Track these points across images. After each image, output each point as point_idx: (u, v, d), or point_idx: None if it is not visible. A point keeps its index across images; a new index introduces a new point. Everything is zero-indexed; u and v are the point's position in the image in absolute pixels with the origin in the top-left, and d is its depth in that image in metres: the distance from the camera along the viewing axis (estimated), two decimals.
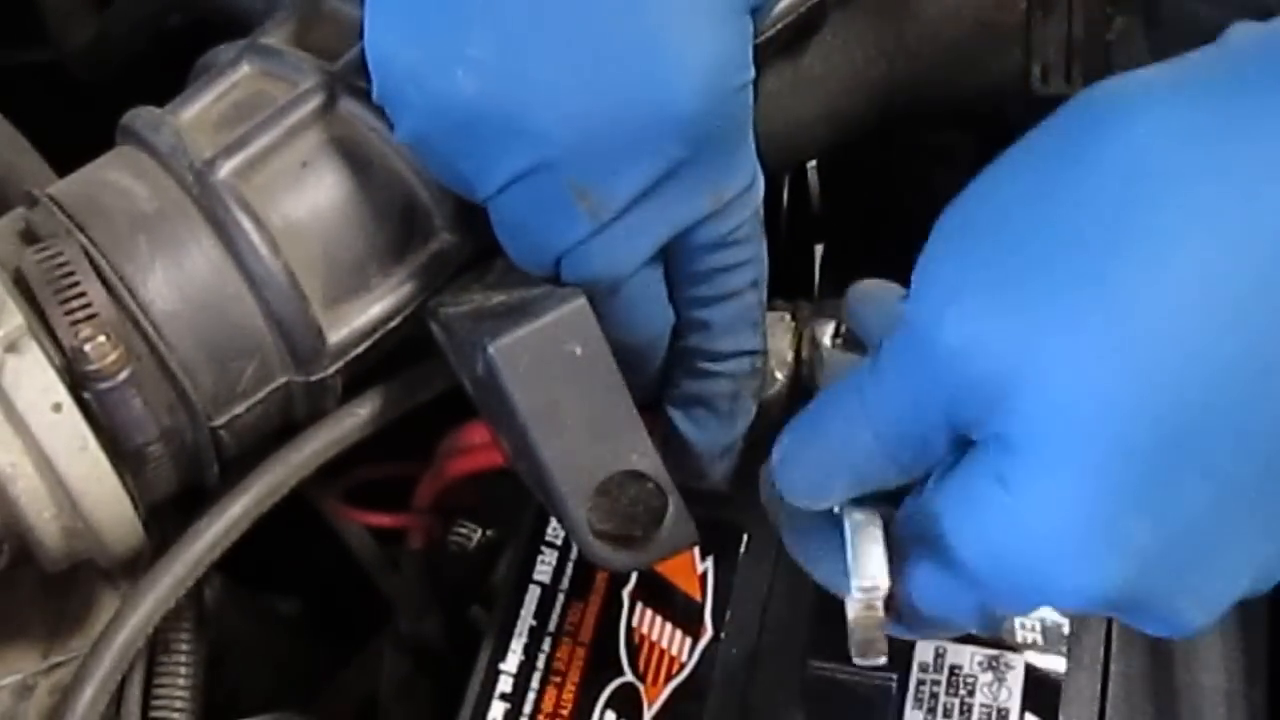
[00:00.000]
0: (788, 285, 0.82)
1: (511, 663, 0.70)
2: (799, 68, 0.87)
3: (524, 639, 0.71)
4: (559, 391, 0.63)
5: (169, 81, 0.78)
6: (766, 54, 0.82)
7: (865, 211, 1.05)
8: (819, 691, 0.68)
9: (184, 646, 0.77)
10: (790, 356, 0.74)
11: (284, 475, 0.73)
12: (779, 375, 0.74)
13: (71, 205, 0.70)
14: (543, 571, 0.73)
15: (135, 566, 0.74)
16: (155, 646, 0.76)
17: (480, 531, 0.83)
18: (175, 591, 0.71)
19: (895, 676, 0.68)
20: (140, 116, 0.72)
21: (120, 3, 1.04)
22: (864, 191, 1.05)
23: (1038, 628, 0.70)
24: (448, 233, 0.73)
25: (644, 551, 0.65)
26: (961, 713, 0.67)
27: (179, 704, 0.77)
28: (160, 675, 0.76)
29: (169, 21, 0.97)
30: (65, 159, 0.80)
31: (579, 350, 0.63)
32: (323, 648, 0.94)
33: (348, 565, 0.91)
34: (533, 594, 0.72)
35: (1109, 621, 0.70)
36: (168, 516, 0.75)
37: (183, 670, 0.77)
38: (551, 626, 0.71)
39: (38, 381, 0.66)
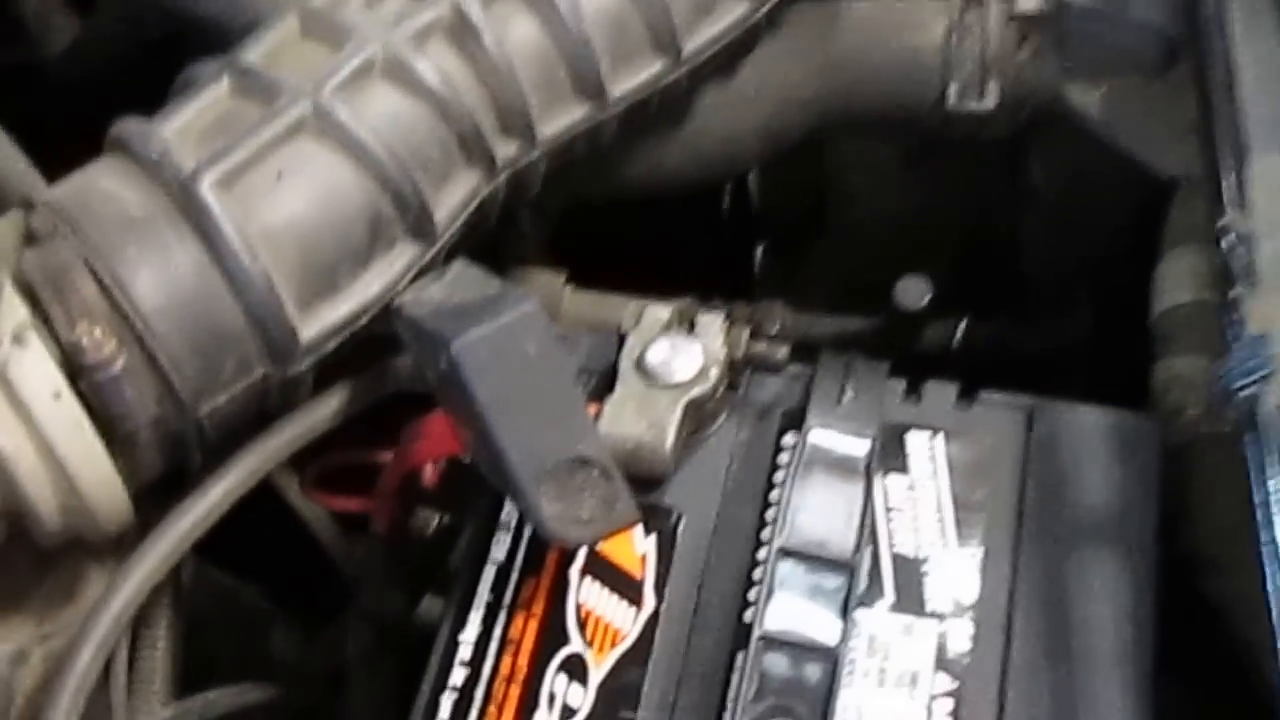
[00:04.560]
0: (728, 287, 0.85)
1: (470, 633, 0.72)
2: (735, 87, 0.92)
3: (481, 611, 0.72)
4: (514, 385, 0.68)
5: (148, 86, 0.80)
6: (704, 74, 0.88)
7: (800, 216, 1.07)
8: (753, 655, 0.70)
9: (163, 620, 0.80)
10: (724, 355, 0.77)
11: (260, 461, 0.76)
12: (714, 372, 0.76)
13: (67, 210, 0.73)
14: (498, 551, 0.74)
15: (120, 545, 0.76)
16: (136, 620, 0.77)
17: (438, 517, 0.85)
18: (164, 566, 0.74)
19: (826, 640, 0.70)
20: (128, 128, 0.75)
21: (100, 10, 1.06)
22: (798, 197, 1.06)
23: (948, 599, 0.72)
24: (408, 240, 0.77)
25: (592, 529, 0.69)
26: (880, 673, 0.69)
27: (158, 672, 0.80)
28: (141, 647, 0.79)
29: (148, 31, 0.97)
30: (43, 158, 0.82)
31: (532, 348, 0.68)
32: (291, 625, 0.95)
33: (311, 549, 0.92)
34: (489, 571, 0.74)
35: (1010, 591, 0.72)
36: (149, 499, 0.77)
37: (161, 642, 0.80)
38: (506, 600, 0.73)
39: (39, 371, 0.69)
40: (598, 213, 1.04)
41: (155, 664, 0.80)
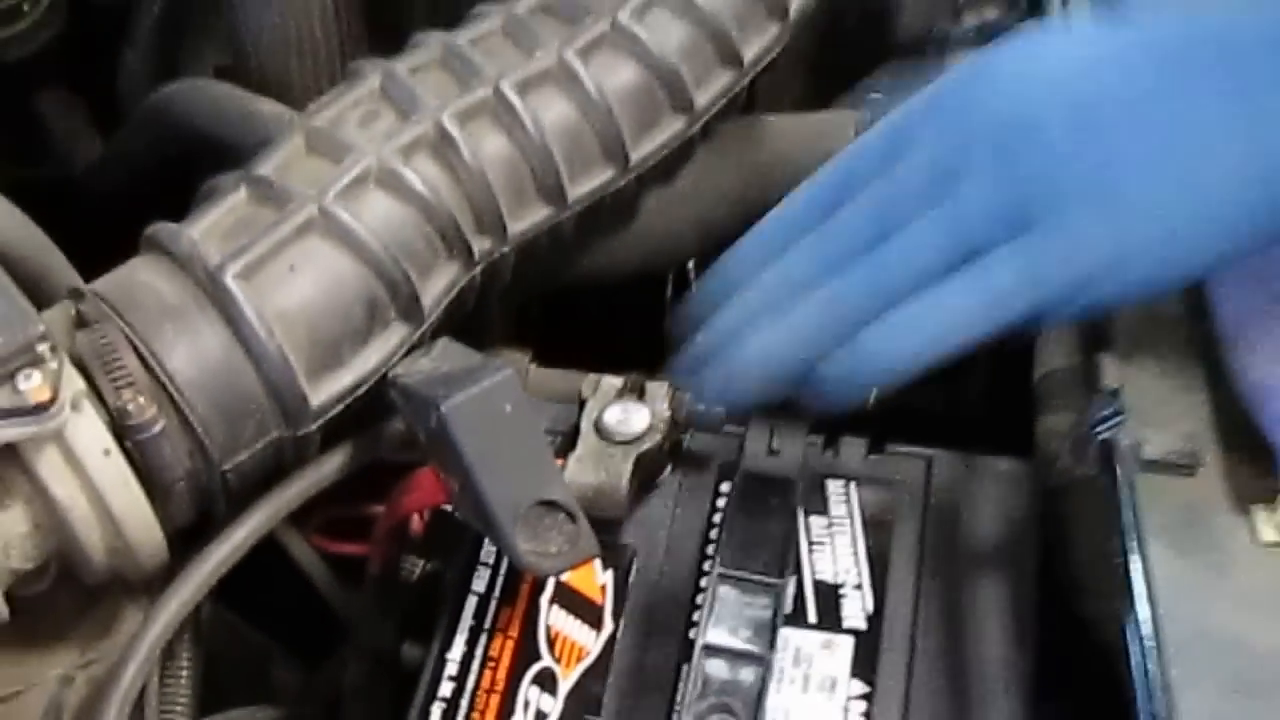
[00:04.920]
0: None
1: (456, 652, 0.76)
2: (674, 190, 0.97)
3: (465, 635, 0.77)
4: (493, 440, 0.73)
5: (167, 196, 0.85)
6: (648, 179, 0.93)
7: None
8: (696, 663, 0.73)
9: (185, 651, 0.83)
10: (668, 416, 0.82)
11: (275, 509, 0.81)
12: (660, 431, 0.81)
13: (112, 298, 0.78)
14: (479, 584, 0.79)
15: (151, 585, 0.80)
16: (162, 654, 0.80)
17: (422, 564, 0.88)
18: (193, 601, 0.78)
19: (758, 650, 0.73)
20: (162, 230, 0.80)
21: (124, 131, 1.07)
22: None
23: (861, 618, 0.77)
24: (400, 321, 0.83)
25: (559, 561, 0.74)
26: (804, 679, 0.74)
27: (181, 701, 0.83)
28: (167, 675, 0.82)
29: (168, 149, 0.98)
30: (74, 259, 0.87)
31: (508, 409, 0.73)
32: (289, 660, 0.97)
33: (304, 593, 0.94)
34: (471, 601, 0.78)
35: (913, 611, 0.77)
36: (177, 542, 0.81)
37: (184, 671, 0.83)
38: (487, 624, 0.77)
39: (91, 432, 0.74)
40: (557, 300, 1.04)
41: (180, 689, 0.83)
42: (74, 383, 0.73)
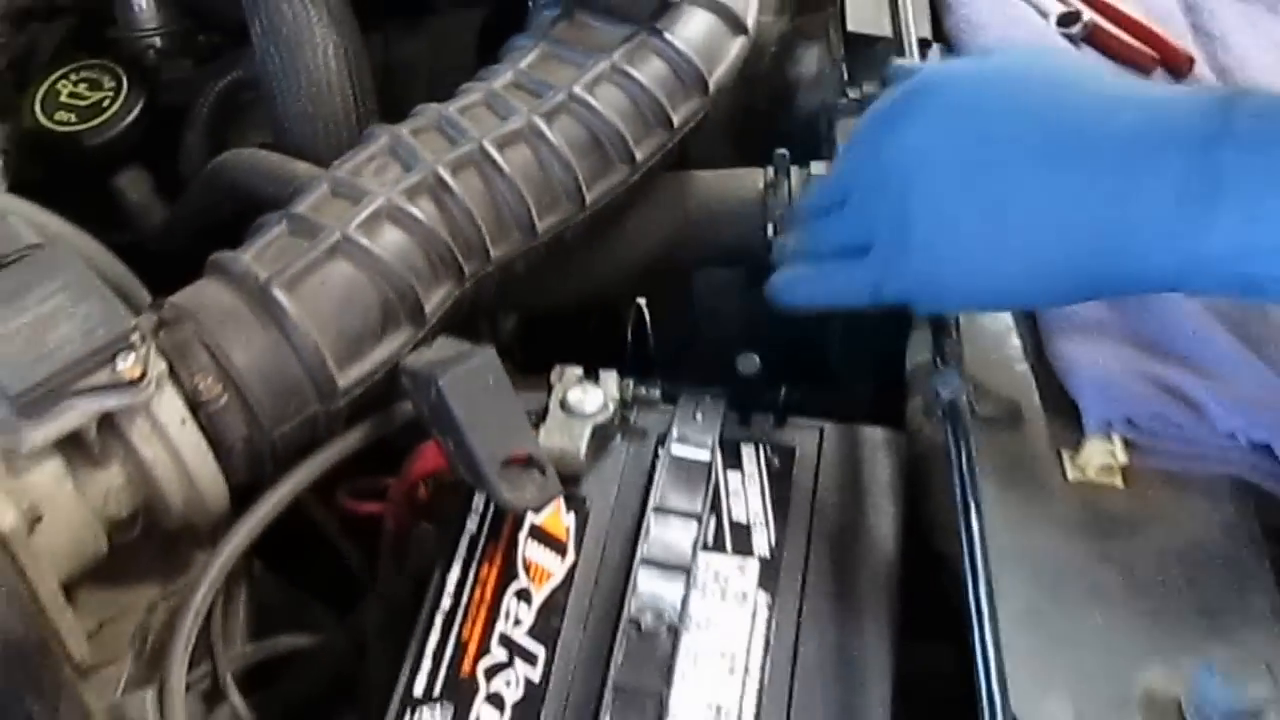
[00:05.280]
0: (622, 370, 0.90)
1: (453, 577, 0.79)
2: (619, 231, 1.00)
3: (460, 563, 0.80)
4: (480, 406, 0.78)
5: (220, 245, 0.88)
6: (600, 218, 0.96)
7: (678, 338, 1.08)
8: (636, 575, 0.77)
9: (240, 587, 0.85)
10: (618, 397, 0.86)
11: (312, 470, 0.84)
12: (611, 408, 0.85)
13: (185, 306, 0.82)
14: (471, 524, 0.82)
15: (215, 534, 0.82)
16: (222, 590, 0.82)
17: (425, 526, 0.87)
18: (246, 542, 0.81)
19: (685, 566, 0.78)
20: (223, 256, 0.85)
21: (185, 199, 1.08)
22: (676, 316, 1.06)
23: (766, 547, 0.81)
24: (408, 324, 0.87)
25: (533, 500, 0.78)
26: (721, 592, 0.78)
27: (238, 622, 0.85)
28: (226, 604, 0.84)
29: (221, 211, 1.00)
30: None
31: (491, 381, 0.78)
32: (324, 610, 0.93)
33: (335, 565, 0.94)
34: (465, 538, 0.81)
35: (806, 542, 0.81)
36: (233, 498, 0.84)
37: (239, 602, 0.85)
38: (477, 555, 0.80)
39: (171, 406, 0.78)
40: (530, 323, 1.07)
41: (236, 616, 0.84)
42: (158, 366, 0.77)
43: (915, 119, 0.79)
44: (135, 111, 1.12)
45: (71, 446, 0.76)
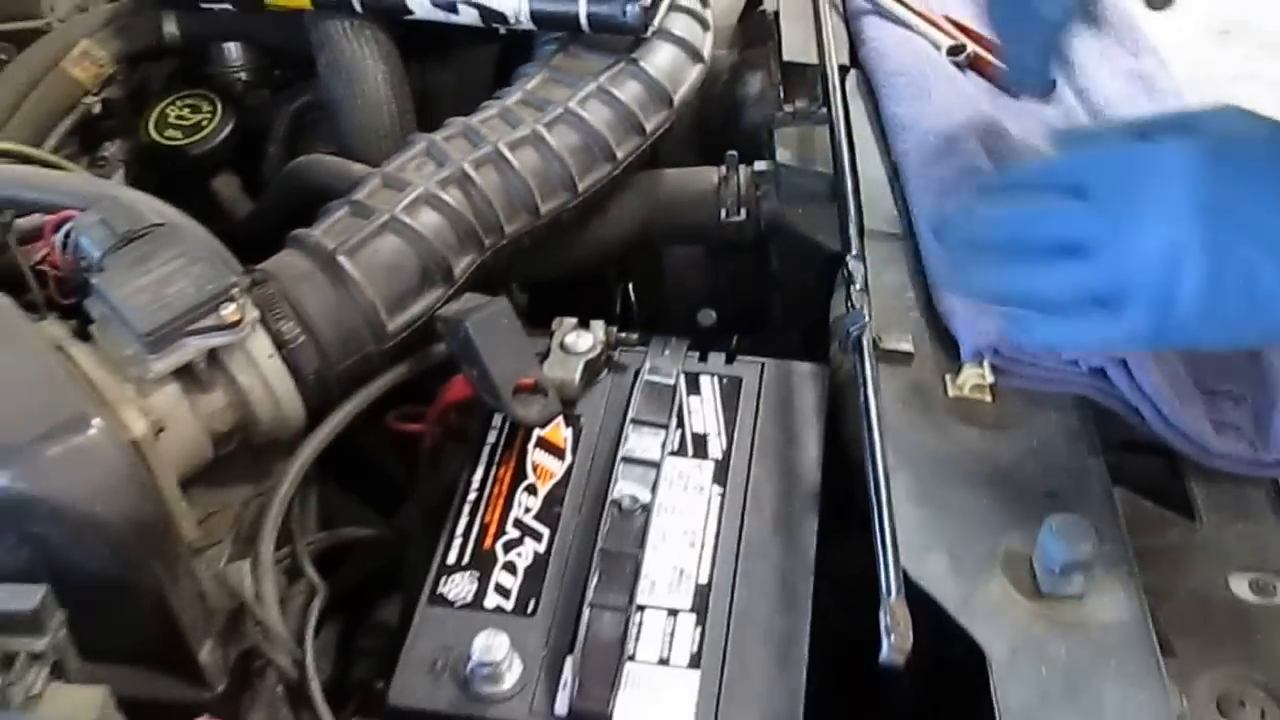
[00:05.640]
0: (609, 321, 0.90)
1: (477, 477, 0.81)
2: (602, 213, 1.01)
3: (482, 467, 0.82)
4: (497, 343, 0.81)
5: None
6: (590, 203, 0.97)
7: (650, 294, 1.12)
8: (618, 470, 0.80)
9: (312, 489, 0.86)
10: (604, 340, 0.87)
11: (368, 395, 0.85)
12: (599, 348, 0.86)
13: (271, 270, 0.84)
14: (491, 437, 0.84)
15: (292, 447, 0.82)
16: (297, 491, 0.82)
17: (454, 445, 0.87)
18: (317, 452, 0.82)
19: (656, 461, 0.80)
20: (299, 232, 0.87)
21: (268, 194, 1.10)
22: (649, 287, 1.12)
23: (720, 451, 0.82)
24: (441, 284, 0.89)
25: (539, 416, 0.82)
26: (684, 486, 0.80)
27: (311, 514, 0.86)
28: (301, 502, 0.84)
29: (295, 201, 0.98)
30: None
31: (505, 323, 0.82)
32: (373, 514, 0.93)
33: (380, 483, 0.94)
34: (486, 448, 0.83)
35: (750, 449, 0.82)
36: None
37: (310, 500, 0.86)
38: (495, 460, 0.82)
39: (262, 344, 0.81)
40: (535, 290, 1.07)
41: (309, 511, 0.86)
42: (251, 314, 0.79)
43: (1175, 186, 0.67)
44: (227, 130, 1.12)
45: (186, 375, 0.78)
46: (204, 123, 1.12)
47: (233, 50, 1.16)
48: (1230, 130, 0.69)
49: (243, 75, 1.16)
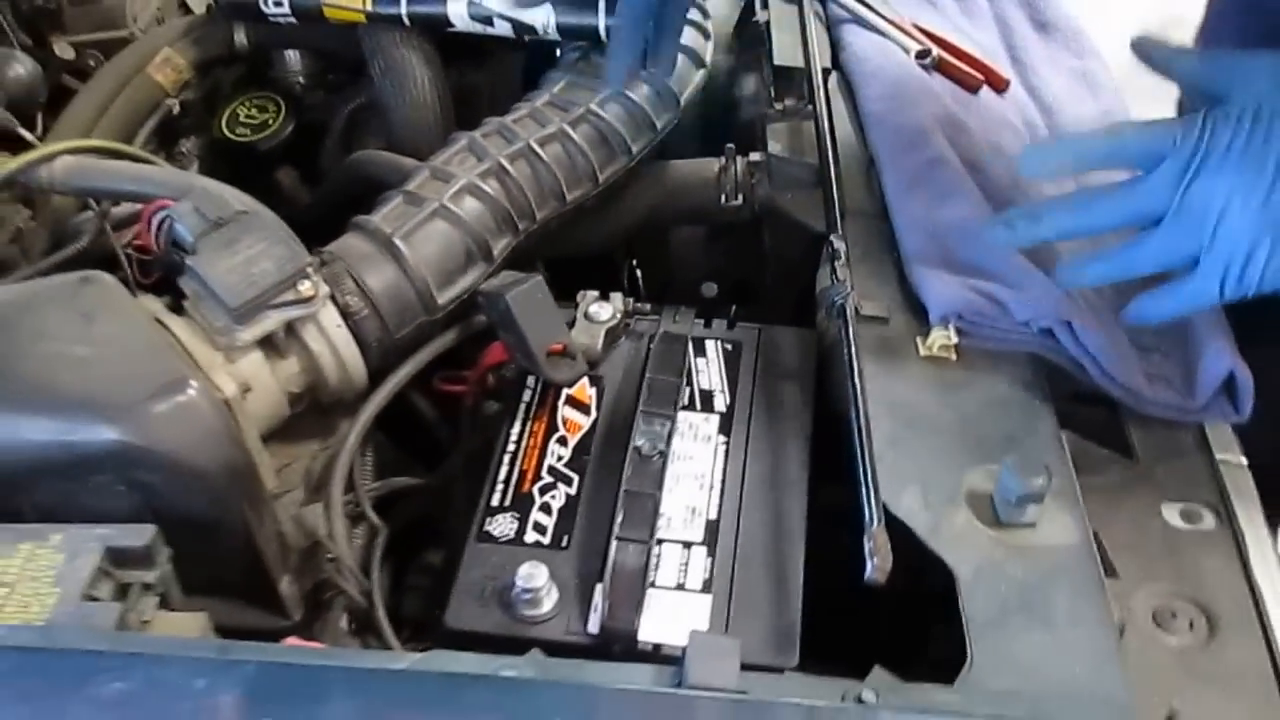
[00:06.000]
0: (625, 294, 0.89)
1: (515, 430, 0.82)
2: (618, 199, 1.00)
3: (519, 422, 0.82)
4: (532, 313, 0.81)
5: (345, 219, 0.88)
6: (606, 192, 0.97)
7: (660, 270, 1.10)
8: (639, 421, 0.79)
9: (370, 443, 0.86)
10: (622, 309, 0.88)
11: (421, 359, 0.86)
12: (618, 317, 0.86)
13: (338, 251, 0.85)
14: (526, 396, 0.84)
15: (355, 407, 0.83)
16: (360, 443, 0.81)
17: (492, 403, 0.88)
18: (377, 410, 0.82)
19: (669, 414, 0.79)
20: (359, 218, 0.87)
21: (326, 184, 1.10)
22: (659, 263, 1.10)
23: (724, 405, 0.82)
24: (483, 263, 0.89)
25: (568, 376, 0.83)
26: (694, 436, 0.80)
27: (370, 466, 0.86)
28: (363, 462, 0.85)
29: (353, 189, 0.99)
30: None
31: (539, 297, 0.82)
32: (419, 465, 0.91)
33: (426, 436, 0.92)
34: (522, 407, 0.83)
35: (750, 403, 0.82)
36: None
37: (369, 454, 0.86)
38: (530, 416, 0.83)
39: (331, 315, 0.82)
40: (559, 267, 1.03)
41: (369, 464, 0.86)
42: (322, 289, 0.81)
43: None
44: (290, 128, 1.12)
45: (267, 343, 0.79)
46: (270, 121, 1.12)
47: (293, 57, 1.16)
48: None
49: (301, 79, 1.15)
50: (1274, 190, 0.66)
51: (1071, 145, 0.79)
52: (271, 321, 0.77)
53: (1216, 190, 0.68)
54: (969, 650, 0.64)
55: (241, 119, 1.12)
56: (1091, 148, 0.76)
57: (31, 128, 0.99)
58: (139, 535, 0.64)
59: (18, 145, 0.96)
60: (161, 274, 0.83)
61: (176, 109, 1.10)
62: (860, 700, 0.58)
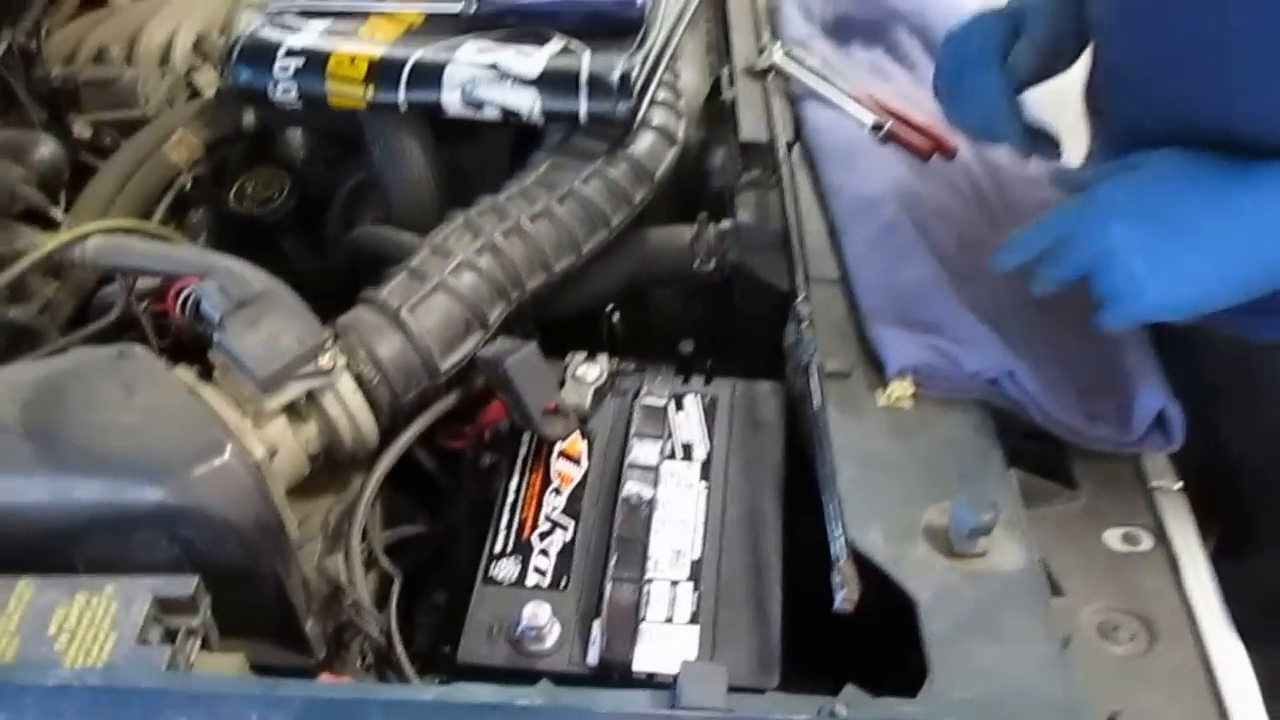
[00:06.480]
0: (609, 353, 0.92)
1: (513, 484, 0.85)
2: (601, 266, 1.03)
3: (517, 475, 0.85)
4: (529, 377, 0.86)
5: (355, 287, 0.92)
6: (590, 259, 1.00)
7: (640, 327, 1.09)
8: (626, 474, 0.82)
9: (379, 497, 0.87)
10: (608, 370, 0.92)
11: (426, 421, 0.89)
12: (604, 377, 0.90)
13: (350, 325, 0.88)
14: (522, 451, 0.87)
15: (366, 465, 0.86)
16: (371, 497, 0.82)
17: (490, 456, 0.90)
18: (389, 466, 0.85)
19: (655, 465, 0.82)
20: (369, 292, 0.91)
21: (331, 256, 1.13)
22: (639, 319, 1.10)
23: (704, 455, 0.85)
24: (480, 330, 0.92)
25: (562, 433, 0.87)
26: (676, 482, 0.83)
27: (379, 518, 0.88)
28: (375, 512, 0.87)
29: (359, 261, 1.03)
30: None
31: (534, 362, 0.86)
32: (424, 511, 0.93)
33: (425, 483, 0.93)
34: (519, 460, 0.87)
35: (726, 452, 0.85)
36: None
37: (378, 506, 0.88)
38: (528, 469, 0.86)
39: (347, 383, 0.86)
40: (547, 329, 1.03)
41: (377, 517, 0.88)
42: (338, 360, 0.85)
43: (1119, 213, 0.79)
44: (293, 201, 1.15)
45: (290, 409, 0.83)
46: (274, 196, 1.15)
47: (296, 135, 1.20)
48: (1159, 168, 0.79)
49: (303, 155, 1.19)
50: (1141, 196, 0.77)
51: (1019, 240, 0.89)
52: (295, 390, 0.81)
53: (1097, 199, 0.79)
54: (929, 666, 0.69)
55: (249, 193, 1.15)
56: (1030, 235, 0.86)
57: (56, 203, 1.04)
58: (184, 585, 0.69)
59: (46, 222, 1.01)
60: (175, 338, 0.89)
61: (189, 184, 1.14)
62: (834, 715, 0.62)
